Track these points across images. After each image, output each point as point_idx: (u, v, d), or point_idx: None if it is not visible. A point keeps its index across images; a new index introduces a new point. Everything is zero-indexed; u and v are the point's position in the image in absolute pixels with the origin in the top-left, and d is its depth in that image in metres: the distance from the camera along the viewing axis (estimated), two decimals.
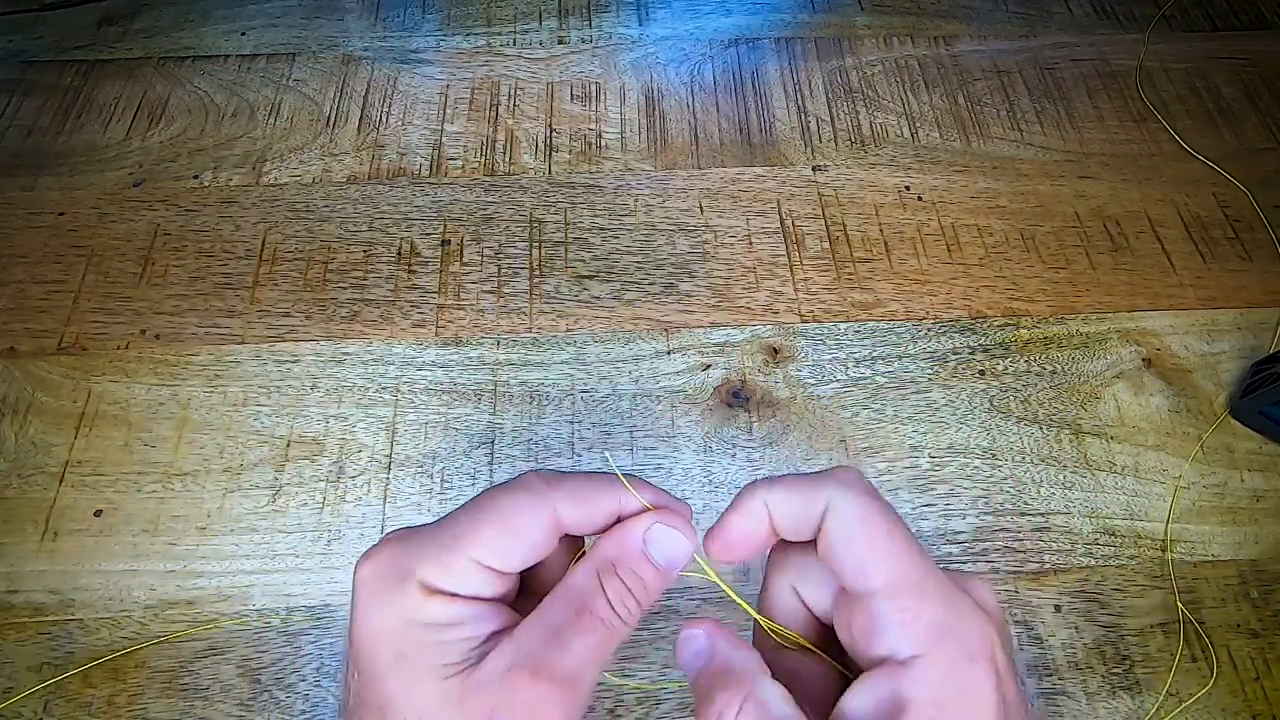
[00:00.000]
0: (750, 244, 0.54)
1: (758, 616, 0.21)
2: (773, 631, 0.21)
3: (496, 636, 0.19)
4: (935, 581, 0.19)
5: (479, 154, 0.59)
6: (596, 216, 0.56)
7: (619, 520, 0.22)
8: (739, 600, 0.21)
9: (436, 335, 0.50)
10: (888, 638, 0.18)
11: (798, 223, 0.55)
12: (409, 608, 0.19)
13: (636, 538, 0.21)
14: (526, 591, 0.22)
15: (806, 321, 0.51)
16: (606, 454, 0.45)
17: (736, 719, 0.18)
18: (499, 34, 0.67)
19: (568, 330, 0.50)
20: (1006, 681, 0.18)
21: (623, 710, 0.39)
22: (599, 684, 0.39)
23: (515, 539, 0.20)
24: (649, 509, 0.21)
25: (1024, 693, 0.19)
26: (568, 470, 0.29)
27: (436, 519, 0.21)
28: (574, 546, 0.23)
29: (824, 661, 0.21)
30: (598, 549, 0.21)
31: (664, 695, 0.39)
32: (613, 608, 0.20)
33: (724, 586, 0.22)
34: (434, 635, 0.19)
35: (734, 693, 0.18)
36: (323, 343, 0.49)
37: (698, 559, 0.22)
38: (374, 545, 0.20)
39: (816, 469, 0.21)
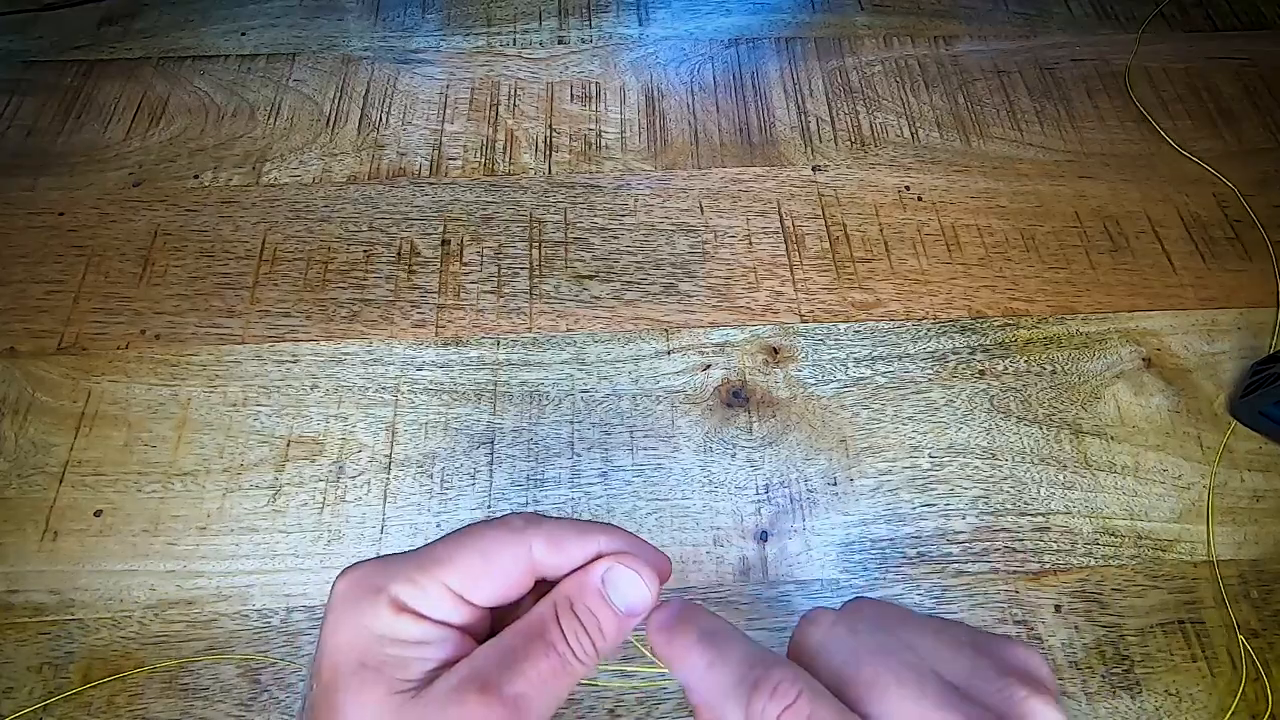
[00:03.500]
0: (750, 244, 0.54)
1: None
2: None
3: (456, 663, 0.20)
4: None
5: (479, 154, 0.59)
6: (596, 216, 0.55)
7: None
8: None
9: (436, 335, 0.50)
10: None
11: (798, 223, 0.55)
12: (377, 621, 0.19)
13: (595, 577, 0.21)
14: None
15: (806, 321, 0.51)
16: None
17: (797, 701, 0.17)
18: (499, 34, 0.67)
19: (568, 330, 0.50)
20: None
21: (623, 710, 0.39)
22: (603, 686, 0.39)
23: (489, 571, 0.20)
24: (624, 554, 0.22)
25: None
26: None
27: (423, 544, 0.21)
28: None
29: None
30: (559, 584, 0.21)
31: (664, 695, 0.39)
32: (567, 640, 0.20)
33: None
34: (396, 650, 0.19)
35: (789, 673, 0.17)
36: (323, 343, 0.49)
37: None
38: (355, 562, 0.21)
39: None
